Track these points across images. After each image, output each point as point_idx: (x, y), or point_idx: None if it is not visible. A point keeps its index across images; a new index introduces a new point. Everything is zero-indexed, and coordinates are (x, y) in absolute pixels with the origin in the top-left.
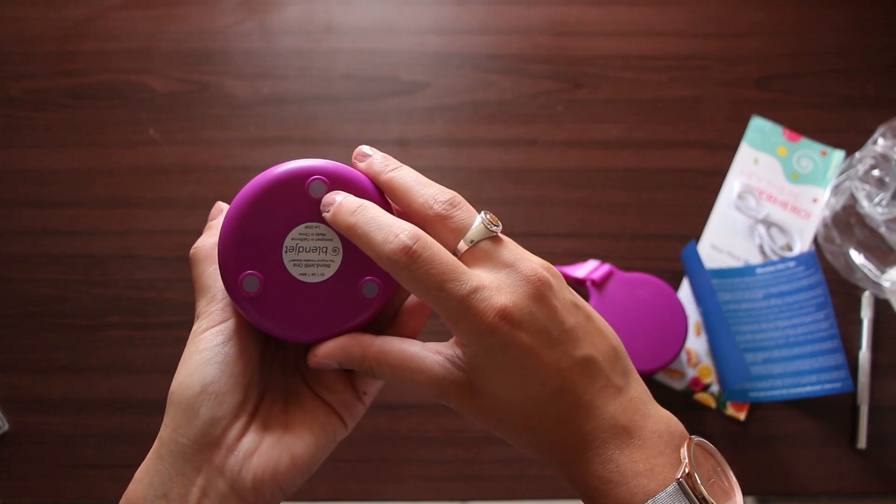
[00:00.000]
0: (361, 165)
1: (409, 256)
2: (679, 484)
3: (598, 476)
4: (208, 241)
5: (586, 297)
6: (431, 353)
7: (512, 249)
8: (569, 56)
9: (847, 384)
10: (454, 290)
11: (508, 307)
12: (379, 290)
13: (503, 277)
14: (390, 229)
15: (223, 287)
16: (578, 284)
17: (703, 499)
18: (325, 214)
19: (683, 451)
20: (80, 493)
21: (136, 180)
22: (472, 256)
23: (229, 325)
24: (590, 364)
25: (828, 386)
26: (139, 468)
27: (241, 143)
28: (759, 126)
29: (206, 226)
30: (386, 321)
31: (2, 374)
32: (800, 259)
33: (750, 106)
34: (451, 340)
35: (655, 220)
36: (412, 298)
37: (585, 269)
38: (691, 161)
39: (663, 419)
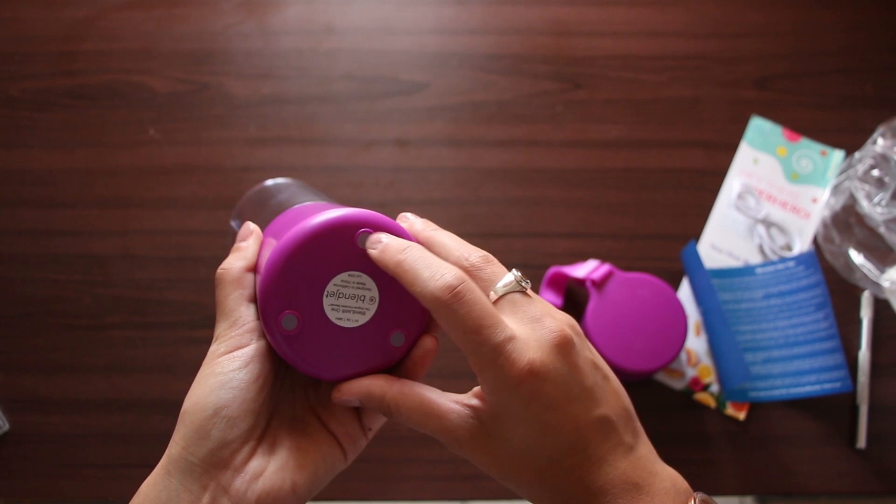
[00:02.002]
0: (403, 225)
1: (454, 296)
2: None
3: None
4: (236, 264)
5: (586, 297)
6: (449, 402)
7: (538, 305)
8: (568, 56)
9: (846, 384)
10: (490, 337)
11: (536, 361)
12: (405, 341)
13: (530, 331)
14: (438, 268)
15: (245, 313)
16: (578, 284)
17: None
18: (371, 251)
19: None
20: (80, 493)
21: (136, 180)
22: (501, 307)
23: (247, 351)
24: (605, 423)
25: (827, 386)
26: (145, 482)
27: (241, 143)
28: (758, 126)
29: (235, 246)
30: (392, 368)
31: (2, 374)
32: (799, 259)
33: (749, 106)
34: (471, 392)
35: (655, 220)
36: (418, 350)
37: (585, 269)
38: (691, 161)
39: (670, 477)
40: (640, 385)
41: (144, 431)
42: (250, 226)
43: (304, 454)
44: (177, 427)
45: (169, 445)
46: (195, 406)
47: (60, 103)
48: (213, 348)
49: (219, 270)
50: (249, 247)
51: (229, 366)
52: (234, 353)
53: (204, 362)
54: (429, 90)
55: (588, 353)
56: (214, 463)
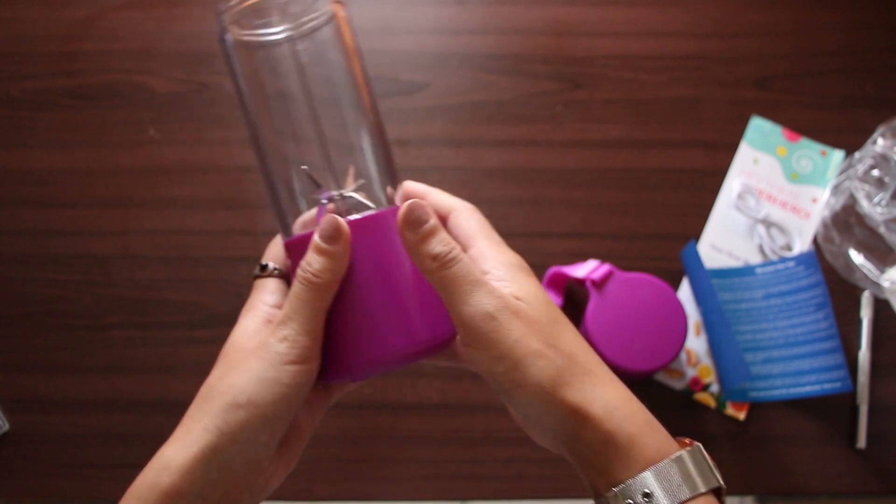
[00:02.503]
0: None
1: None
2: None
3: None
4: (327, 275)
5: (586, 297)
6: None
7: None
8: (568, 56)
9: (846, 384)
10: None
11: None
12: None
13: None
14: None
15: (320, 330)
16: (578, 284)
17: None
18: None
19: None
20: (80, 493)
21: (136, 180)
22: None
23: (313, 370)
24: None
25: (827, 386)
26: (180, 461)
27: (241, 143)
28: (758, 126)
29: (325, 248)
30: None
31: (2, 374)
32: (799, 259)
33: (749, 106)
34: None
35: (655, 220)
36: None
37: (585, 269)
38: (691, 161)
39: None
40: (640, 385)
41: (144, 431)
42: (341, 225)
43: (292, 451)
44: (224, 409)
45: (218, 433)
46: (253, 404)
47: (60, 103)
48: (277, 347)
49: (308, 274)
50: (342, 256)
51: (297, 379)
52: (302, 367)
53: (257, 351)
54: (429, 90)
55: None
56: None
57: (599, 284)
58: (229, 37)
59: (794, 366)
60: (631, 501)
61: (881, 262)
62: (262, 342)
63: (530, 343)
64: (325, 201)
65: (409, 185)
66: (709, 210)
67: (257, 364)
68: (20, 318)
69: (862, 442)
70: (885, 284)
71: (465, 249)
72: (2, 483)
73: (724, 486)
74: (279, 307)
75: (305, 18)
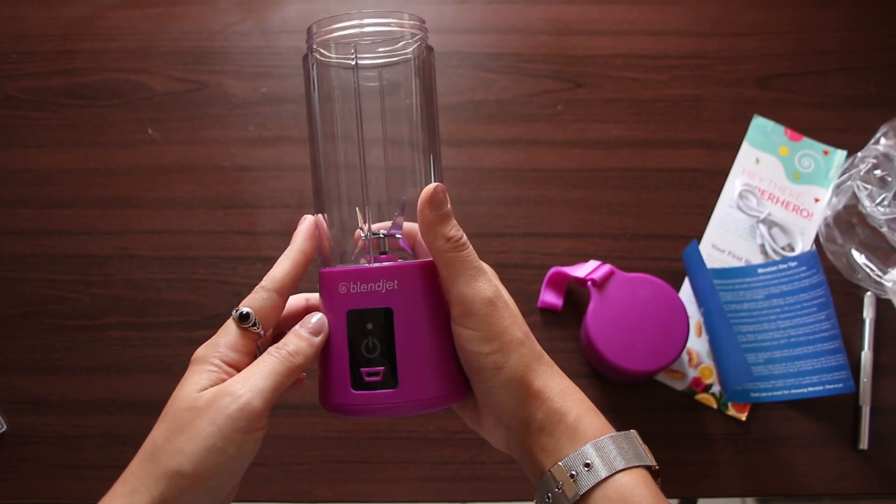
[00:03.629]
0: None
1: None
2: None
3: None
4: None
5: (587, 298)
6: None
7: None
8: (569, 55)
9: (848, 385)
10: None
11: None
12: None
13: None
14: None
15: None
16: (579, 284)
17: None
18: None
19: None
20: (79, 494)
21: (134, 180)
22: None
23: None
24: None
25: (829, 387)
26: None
27: (240, 142)
28: (760, 125)
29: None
30: None
31: (1, 374)
32: (801, 259)
33: (751, 105)
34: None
35: (656, 220)
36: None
37: (586, 269)
38: (692, 161)
39: None
40: (642, 386)
41: (143, 432)
42: (324, 325)
43: None
44: (169, 476)
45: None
46: (198, 476)
47: (58, 102)
48: (232, 411)
49: (286, 353)
50: (319, 348)
51: (246, 448)
52: (254, 435)
53: (209, 412)
54: None
55: None
56: None
57: (600, 284)
58: (315, 56)
59: (796, 366)
60: (574, 472)
61: (884, 262)
62: (214, 403)
63: (515, 332)
64: (364, 235)
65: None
66: (710, 210)
67: (207, 428)
68: (18, 318)
69: (864, 443)
70: (888, 284)
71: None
72: (1, 483)
73: (657, 467)
74: (234, 366)
75: (392, 56)
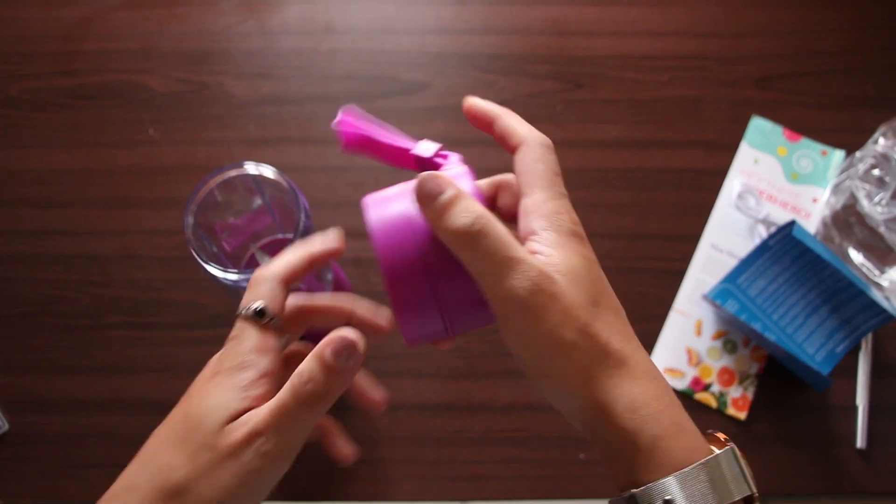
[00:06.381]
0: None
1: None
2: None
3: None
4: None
5: None
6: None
7: None
8: (569, 56)
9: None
10: None
11: None
12: None
13: None
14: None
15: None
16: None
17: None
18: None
19: None
20: (80, 493)
21: (136, 180)
22: None
23: None
24: None
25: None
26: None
27: (241, 142)
28: (759, 126)
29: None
30: None
31: (2, 374)
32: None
33: (750, 106)
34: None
35: (655, 220)
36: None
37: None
38: (691, 161)
39: None
40: None
41: (144, 432)
42: (357, 344)
43: None
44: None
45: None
46: None
47: (60, 103)
48: (252, 459)
49: (308, 388)
50: (352, 372)
51: (262, 495)
52: (272, 482)
53: (229, 456)
54: (429, 90)
55: None
56: None
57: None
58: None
59: (831, 323)
60: None
61: (881, 261)
62: (240, 455)
63: (563, 333)
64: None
65: (474, 102)
66: (709, 210)
67: (230, 480)
68: (19, 318)
69: (861, 442)
70: (885, 284)
71: (521, 194)
72: (1, 483)
73: (756, 493)
74: (266, 377)
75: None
